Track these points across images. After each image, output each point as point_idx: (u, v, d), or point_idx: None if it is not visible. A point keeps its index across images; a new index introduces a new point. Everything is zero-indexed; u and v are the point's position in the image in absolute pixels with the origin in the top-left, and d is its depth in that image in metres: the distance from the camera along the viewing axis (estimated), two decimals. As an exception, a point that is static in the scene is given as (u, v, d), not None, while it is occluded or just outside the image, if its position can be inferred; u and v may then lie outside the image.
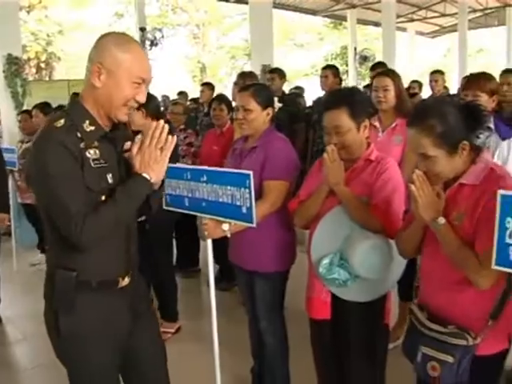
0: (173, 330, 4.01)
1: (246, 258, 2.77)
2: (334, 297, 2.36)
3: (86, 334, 1.80)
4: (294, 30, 29.56)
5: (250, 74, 5.25)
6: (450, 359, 1.83)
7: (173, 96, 9.79)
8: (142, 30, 13.84)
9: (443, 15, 23.04)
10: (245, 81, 4.68)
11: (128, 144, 1.94)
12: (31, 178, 1.77)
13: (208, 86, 7.17)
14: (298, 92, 7.59)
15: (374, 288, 2.30)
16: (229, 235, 2.54)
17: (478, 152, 1.89)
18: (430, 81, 6.24)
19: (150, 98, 4.20)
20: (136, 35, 13.89)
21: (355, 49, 19.77)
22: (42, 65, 22.87)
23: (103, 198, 1.76)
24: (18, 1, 8.76)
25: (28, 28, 20.84)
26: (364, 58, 19.75)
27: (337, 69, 5.63)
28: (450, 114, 1.84)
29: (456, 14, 21.41)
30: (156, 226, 3.61)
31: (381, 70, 4.84)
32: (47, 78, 21.62)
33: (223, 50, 27.68)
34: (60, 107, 5.89)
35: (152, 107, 3.80)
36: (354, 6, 19.95)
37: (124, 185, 1.78)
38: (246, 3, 11.13)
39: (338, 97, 2.42)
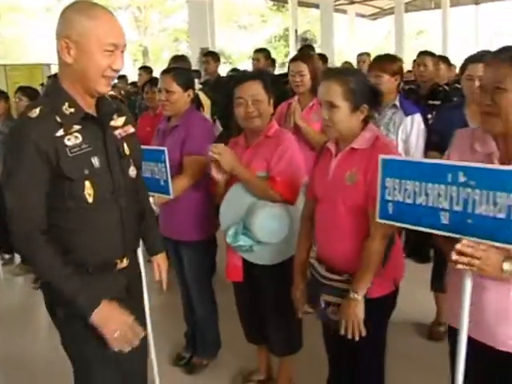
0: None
1: (170, 229, 2.97)
2: (246, 260, 2.59)
3: (87, 333, 1.74)
4: (238, 11, 29.57)
5: (182, 58, 5.36)
6: None
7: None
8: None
9: (380, -2, 23.57)
10: (177, 64, 4.80)
11: (119, 120, 1.86)
12: (3, 172, 1.69)
13: (146, 69, 7.23)
14: (234, 74, 7.75)
15: (278, 251, 2.52)
16: (155, 208, 2.72)
17: (367, 122, 2.14)
18: (358, 62, 6.55)
19: None
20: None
21: (296, 31, 20.02)
22: (-23, 48, 22.14)
23: (87, 183, 1.70)
24: None
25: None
26: (305, 40, 20.04)
27: (268, 52, 5.83)
28: (362, 79, 2.15)
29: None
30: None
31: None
32: (-17, 63, 20.89)
33: (166, 32, 27.45)
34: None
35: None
36: (294, -11, 20.18)
37: (80, 284, 1.68)
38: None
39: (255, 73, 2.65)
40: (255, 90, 2.51)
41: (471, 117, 2.98)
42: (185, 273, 3.03)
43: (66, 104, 1.67)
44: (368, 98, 2.11)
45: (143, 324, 2.03)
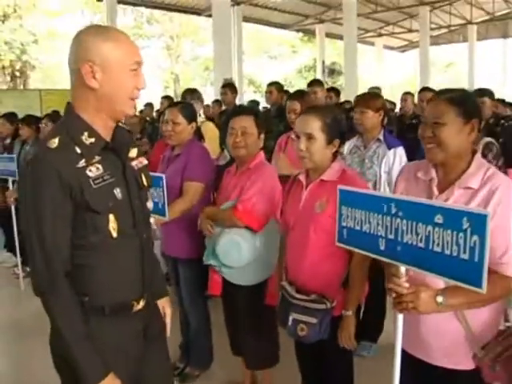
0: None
1: (169, 247, 3.29)
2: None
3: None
4: (269, 42, 30.24)
5: (193, 90, 5.69)
6: (313, 321, 2.32)
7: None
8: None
9: (410, 31, 23.89)
10: (187, 96, 5.14)
11: (133, 151, 1.80)
12: (22, 203, 1.61)
13: (167, 98, 7.64)
14: (253, 105, 8.14)
15: (249, 274, 2.78)
16: (155, 227, 3.02)
17: (335, 156, 2.41)
18: (401, 100, 6.78)
19: None
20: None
21: (323, 62, 20.52)
22: (17, 73, 23.14)
23: (111, 216, 1.62)
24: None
25: (2, 37, 21.12)
26: (332, 71, 20.51)
27: (280, 85, 6.15)
28: (336, 116, 2.43)
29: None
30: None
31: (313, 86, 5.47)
32: (22, 87, 21.88)
33: (197, 61, 28.22)
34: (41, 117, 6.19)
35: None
36: (322, 21, 20.70)
37: (90, 350, 1.58)
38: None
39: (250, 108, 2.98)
40: (246, 123, 2.81)
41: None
42: (181, 287, 3.32)
43: (86, 134, 1.60)
44: (340, 134, 2.39)
45: (166, 374, 1.99)
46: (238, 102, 6.86)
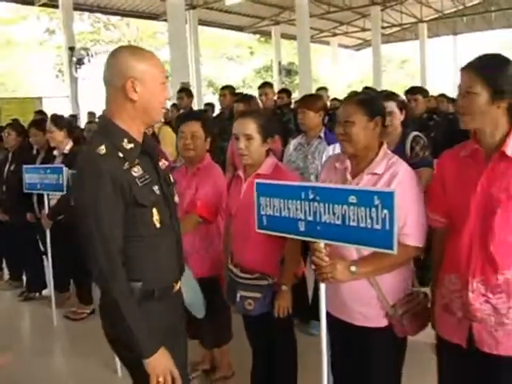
0: (88, 311, 4.75)
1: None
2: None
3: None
4: (226, 45, 30.52)
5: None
6: (258, 295, 2.67)
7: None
8: (71, 49, 14.36)
9: (363, 30, 24.55)
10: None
11: (164, 161, 2.02)
12: (79, 207, 1.80)
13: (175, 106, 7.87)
14: (207, 108, 8.46)
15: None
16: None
17: (269, 153, 2.74)
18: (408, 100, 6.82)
19: (62, 117, 4.90)
20: (65, 54, 14.43)
21: (279, 63, 20.95)
22: (-27, 82, 22.89)
23: (154, 210, 1.85)
24: None
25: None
26: (289, 71, 20.96)
27: (233, 88, 6.48)
28: (269, 118, 2.79)
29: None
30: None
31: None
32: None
33: (156, 65, 28.34)
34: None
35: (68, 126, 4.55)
36: (277, 23, 21.12)
37: (147, 327, 1.78)
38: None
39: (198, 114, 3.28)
40: (195, 128, 3.12)
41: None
42: None
43: (125, 140, 1.81)
44: (272, 133, 2.72)
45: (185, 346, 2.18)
46: (197, 105, 7.14)
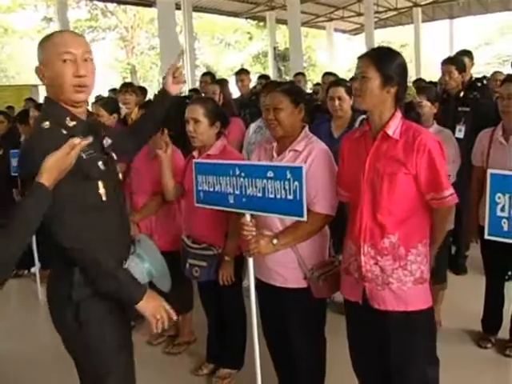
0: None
1: None
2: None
3: (103, 315, 1.93)
4: (224, 30, 30.58)
5: (129, 85, 6.16)
6: (204, 264, 2.98)
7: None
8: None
9: (359, 14, 24.56)
10: (126, 91, 5.58)
11: (107, 139, 2.03)
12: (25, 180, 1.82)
13: (113, 91, 8.09)
14: (192, 94, 8.68)
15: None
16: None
17: (219, 135, 3.02)
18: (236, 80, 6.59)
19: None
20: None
21: (275, 48, 21.09)
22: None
23: (100, 183, 1.90)
24: None
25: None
26: (283, 57, 21.10)
27: (213, 75, 6.71)
28: (216, 104, 3.12)
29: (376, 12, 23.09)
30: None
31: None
32: (-24, 83, 21.88)
33: (154, 51, 28.44)
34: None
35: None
36: (272, 8, 21.19)
37: (130, 275, 1.93)
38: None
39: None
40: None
41: (335, 129, 3.87)
42: None
43: (68, 118, 1.87)
44: (219, 118, 3.00)
45: None
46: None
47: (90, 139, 1.79)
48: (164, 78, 2.35)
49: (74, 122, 1.88)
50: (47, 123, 1.83)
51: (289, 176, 2.19)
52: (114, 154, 2.08)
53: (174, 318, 2.01)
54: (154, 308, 1.92)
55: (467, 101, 4.53)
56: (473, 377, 3.15)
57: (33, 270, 5.67)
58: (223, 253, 2.95)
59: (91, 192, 1.88)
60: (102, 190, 1.91)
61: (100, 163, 1.91)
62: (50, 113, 1.90)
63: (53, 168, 1.66)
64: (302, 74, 7.61)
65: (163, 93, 2.33)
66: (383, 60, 2.11)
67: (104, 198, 1.92)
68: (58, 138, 1.76)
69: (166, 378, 3.43)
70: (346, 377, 2.67)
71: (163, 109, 2.34)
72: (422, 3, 24.44)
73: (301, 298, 2.50)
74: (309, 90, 9.12)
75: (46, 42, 1.86)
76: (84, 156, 1.83)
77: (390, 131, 2.12)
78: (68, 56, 1.81)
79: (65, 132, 1.84)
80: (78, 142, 1.70)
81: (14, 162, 5.02)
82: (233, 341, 3.25)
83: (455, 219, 3.53)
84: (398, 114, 2.17)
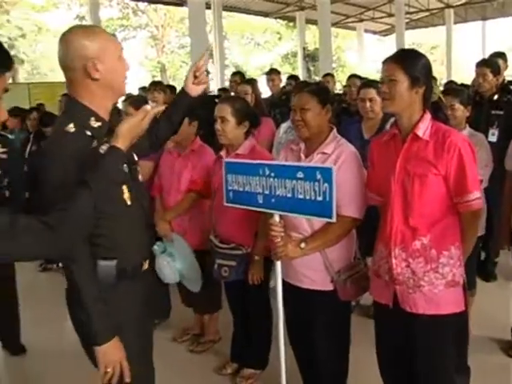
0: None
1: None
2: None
3: (124, 321, 1.84)
4: (254, 30, 30.64)
5: (158, 83, 6.22)
6: (233, 263, 2.98)
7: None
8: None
9: (389, 15, 24.34)
10: (155, 89, 5.63)
11: None
12: (44, 182, 1.77)
13: (142, 89, 8.16)
14: (221, 94, 8.71)
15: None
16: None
17: (248, 135, 3.02)
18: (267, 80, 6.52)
19: None
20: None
21: (304, 48, 21.04)
22: (5, 67, 23.52)
23: (125, 188, 1.85)
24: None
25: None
26: (312, 57, 21.01)
27: (242, 74, 6.73)
28: (245, 103, 3.12)
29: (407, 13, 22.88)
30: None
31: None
32: (11, 81, 22.26)
33: (184, 50, 28.64)
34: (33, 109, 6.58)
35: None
36: (302, 8, 21.14)
37: (104, 311, 1.77)
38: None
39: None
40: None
41: (365, 130, 3.84)
42: None
43: (92, 119, 1.82)
44: (248, 117, 3.00)
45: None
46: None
47: (163, 107, 1.90)
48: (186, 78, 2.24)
49: (100, 123, 1.84)
50: (71, 126, 1.78)
51: (319, 177, 2.17)
52: (134, 156, 2.04)
53: (127, 380, 1.82)
54: (110, 359, 1.77)
55: (500, 104, 4.47)
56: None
57: (61, 264, 5.78)
58: (253, 252, 2.95)
59: (115, 198, 1.81)
60: (126, 195, 1.87)
61: (124, 166, 1.83)
62: (73, 114, 1.84)
63: (128, 133, 1.70)
64: (331, 75, 7.57)
65: (182, 94, 2.23)
66: (409, 61, 2.11)
67: (129, 203, 1.87)
68: (83, 142, 1.76)
69: (189, 376, 3.45)
70: (371, 380, 2.65)
71: (181, 111, 2.25)
72: (455, 4, 24.08)
73: (327, 300, 2.49)
74: (337, 91, 9.08)
75: (94, 37, 1.79)
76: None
77: (419, 132, 2.10)
78: (121, 52, 1.88)
79: (89, 133, 1.80)
80: (151, 109, 1.73)
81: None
82: (258, 340, 3.25)
83: (486, 224, 3.47)
84: (428, 116, 2.15)
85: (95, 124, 1.83)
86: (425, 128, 2.11)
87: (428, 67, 2.15)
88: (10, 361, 3.89)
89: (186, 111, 2.28)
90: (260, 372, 3.28)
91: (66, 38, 1.79)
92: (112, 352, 1.77)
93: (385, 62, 2.16)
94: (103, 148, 1.78)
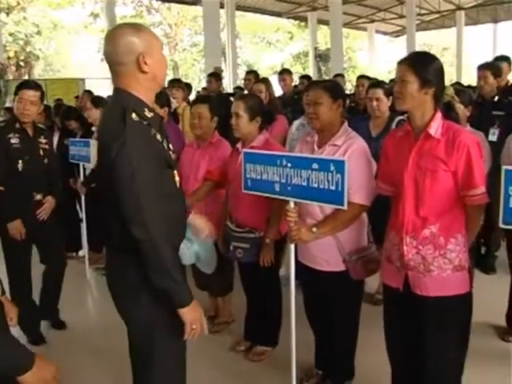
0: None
1: None
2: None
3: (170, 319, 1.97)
4: (266, 29, 30.85)
5: (177, 81, 6.51)
6: (247, 246, 3.26)
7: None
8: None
9: (400, 16, 24.50)
10: (174, 86, 5.93)
11: None
12: (121, 168, 1.81)
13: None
14: (236, 92, 8.95)
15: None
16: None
17: (261, 129, 3.28)
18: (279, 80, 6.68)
19: (101, 98, 5.50)
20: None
21: (315, 48, 21.27)
22: (22, 63, 23.94)
23: (175, 172, 2.04)
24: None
25: (7, 29, 21.86)
26: (324, 57, 21.23)
27: (257, 73, 6.98)
28: (258, 100, 3.40)
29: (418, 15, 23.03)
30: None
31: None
32: (26, 77, 22.65)
33: (196, 48, 28.94)
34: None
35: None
36: (314, 9, 21.37)
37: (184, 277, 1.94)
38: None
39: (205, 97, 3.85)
40: (201, 109, 3.64)
41: (373, 128, 4.08)
42: None
43: (146, 109, 1.93)
44: (260, 114, 3.26)
45: None
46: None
47: None
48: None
49: (152, 114, 1.96)
50: (134, 116, 1.87)
51: (332, 168, 2.43)
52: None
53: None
54: (194, 318, 1.94)
55: (502, 105, 4.68)
56: (495, 366, 3.31)
57: (80, 253, 6.04)
58: (264, 236, 3.22)
59: (170, 180, 2.00)
60: (177, 178, 2.06)
61: (171, 153, 2.04)
62: (130, 104, 1.91)
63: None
64: (342, 76, 7.82)
65: None
66: (420, 64, 2.31)
67: (178, 185, 2.07)
68: (145, 131, 1.89)
69: (206, 353, 3.67)
70: (376, 362, 2.90)
71: None
72: (466, 6, 24.20)
73: (341, 278, 2.75)
74: (348, 91, 9.29)
75: (141, 33, 1.92)
76: (165, 147, 1.99)
77: (431, 131, 2.29)
78: (163, 48, 2.04)
79: (145, 123, 1.90)
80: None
81: (70, 150, 5.31)
82: (269, 320, 3.52)
83: (486, 219, 3.70)
84: (439, 115, 2.33)
85: (149, 114, 1.95)
86: (436, 127, 2.29)
87: (439, 70, 2.32)
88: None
89: None
90: (271, 349, 3.55)
91: (115, 35, 1.91)
92: (196, 311, 1.95)
93: (399, 64, 2.36)
94: (158, 136, 1.95)
